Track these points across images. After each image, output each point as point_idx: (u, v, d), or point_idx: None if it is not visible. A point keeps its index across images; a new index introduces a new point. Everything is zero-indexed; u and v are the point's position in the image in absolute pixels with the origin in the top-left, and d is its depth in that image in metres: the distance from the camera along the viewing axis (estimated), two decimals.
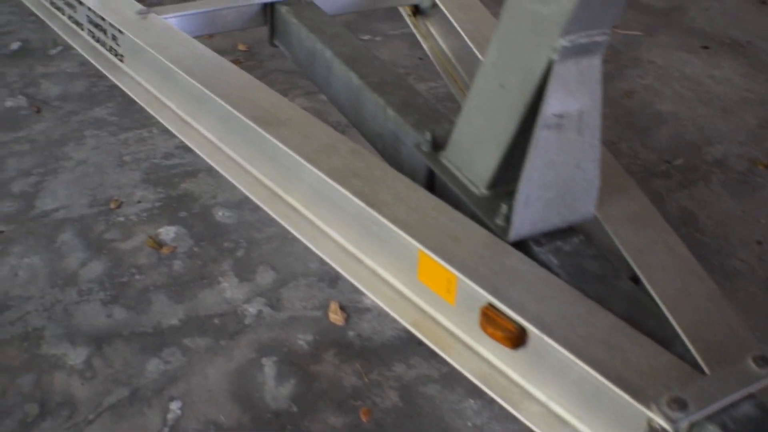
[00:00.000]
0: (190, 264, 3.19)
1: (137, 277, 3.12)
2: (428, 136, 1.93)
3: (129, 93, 2.62)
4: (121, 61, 2.70)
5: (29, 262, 3.21)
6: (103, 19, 2.72)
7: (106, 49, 2.78)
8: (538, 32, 1.52)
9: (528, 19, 1.53)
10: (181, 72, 2.30)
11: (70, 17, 3.00)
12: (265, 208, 2.04)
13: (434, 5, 3.07)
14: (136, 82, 2.64)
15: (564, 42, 1.47)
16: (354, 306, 3.01)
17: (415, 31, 3.20)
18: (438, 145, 1.93)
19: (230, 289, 3.08)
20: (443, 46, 3.04)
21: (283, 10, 2.80)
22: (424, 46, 3.12)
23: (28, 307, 2.99)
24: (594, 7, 1.44)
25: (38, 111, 4.24)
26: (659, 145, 4.18)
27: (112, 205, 3.50)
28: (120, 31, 2.62)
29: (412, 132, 2.05)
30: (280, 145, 1.94)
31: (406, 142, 2.09)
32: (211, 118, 2.26)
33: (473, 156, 1.79)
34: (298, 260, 3.21)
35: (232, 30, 2.96)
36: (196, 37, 2.66)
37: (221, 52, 4.60)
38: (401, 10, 3.28)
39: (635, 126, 4.33)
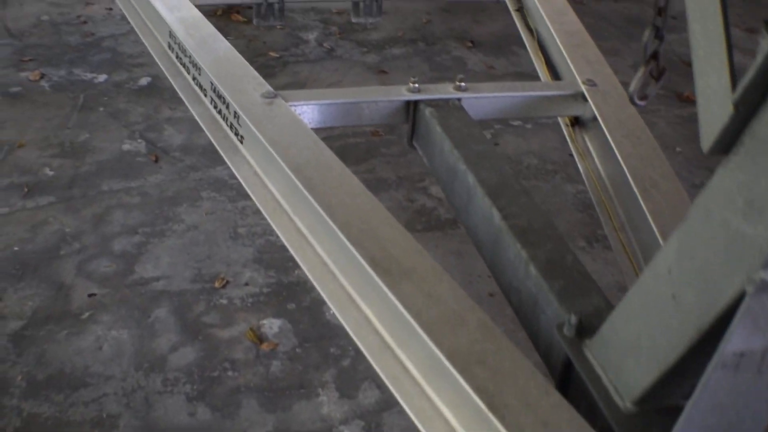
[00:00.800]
0: (289, 367, 3.02)
1: (230, 373, 2.97)
2: (573, 319, 1.72)
3: (243, 183, 2.47)
4: (240, 141, 2.56)
5: (117, 335, 3.10)
6: None
7: (227, 125, 2.65)
8: (733, 253, 1.29)
9: (724, 233, 1.30)
10: (299, 185, 2.13)
11: (194, 79, 2.89)
12: (372, 362, 1.85)
13: (595, 118, 2.85)
14: (254, 171, 2.49)
15: (766, 275, 1.23)
16: None
17: (571, 145, 2.99)
18: (583, 329, 1.72)
19: (329, 404, 2.91)
20: (600, 169, 2.81)
21: (427, 112, 2.62)
22: (579, 166, 2.90)
23: (106, 389, 2.88)
24: None
25: (156, 160, 4.16)
26: None
27: (217, 284, 3.37)
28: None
29: (554, 302, 1.84)
30: (399, 305, 1.75)
31: (546, 312, 1.88)
32: (328, 240, 2.08)
33: (624, 362, 1.57)
34: None
35: (368, 125, 2.80)
36: (327, 128, 2.51)
37: None
38: (560, 119, 3.07)
39: None
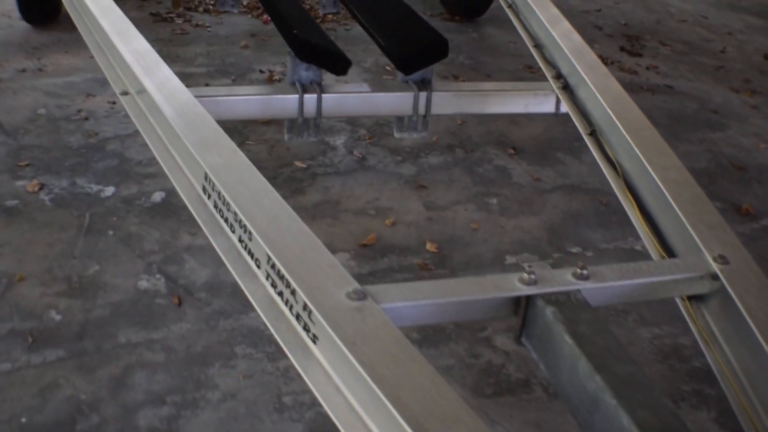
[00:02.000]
0: None
1: None
2: None
3: (318, 396, 1.96)
4: (313, 341, 2.05)
5: None
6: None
7: (292, 314, 2.12)
8: None
9: None
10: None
11: (241, 241, 2.35)
12: None
13: (721, 290, 2.42)
14: (335, 386, 1.99)
15: None
16: None
17: (692, 326, 2.54)
18: None
19: None
20: (734, 363, 2.38)
21: (548, 312, 2.17)
22: (705, 351, 2.46)
23: None
24: None
25: (179, 303, 3.70)
26: None
27: None
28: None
29: None
30: None
31: None
32: None
33: None
34: None
35: (473, 320, 2.36)
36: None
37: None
38: (677, 300, 2.63)
39: None
